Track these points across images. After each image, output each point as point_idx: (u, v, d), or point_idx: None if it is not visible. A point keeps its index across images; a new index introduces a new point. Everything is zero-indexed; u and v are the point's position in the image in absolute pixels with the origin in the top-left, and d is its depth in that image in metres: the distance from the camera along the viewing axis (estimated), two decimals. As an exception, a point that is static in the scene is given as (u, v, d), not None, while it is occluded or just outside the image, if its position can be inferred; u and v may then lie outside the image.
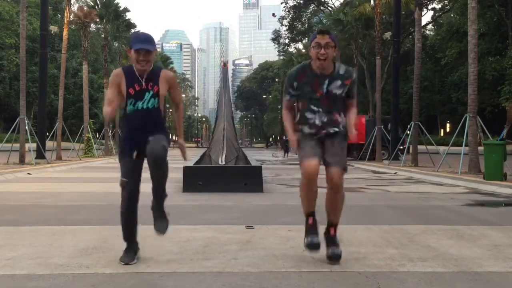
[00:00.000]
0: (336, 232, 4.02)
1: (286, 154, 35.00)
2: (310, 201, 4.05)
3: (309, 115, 3.90)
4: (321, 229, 4.07)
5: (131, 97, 3.80)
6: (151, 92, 3.79)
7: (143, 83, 3.78)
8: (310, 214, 4.04)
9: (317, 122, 3.88)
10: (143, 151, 3.80)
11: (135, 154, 3.85)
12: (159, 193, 3.98)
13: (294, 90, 3.96)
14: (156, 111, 3.83)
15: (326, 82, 3.85)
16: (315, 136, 3.92)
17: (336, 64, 3.91)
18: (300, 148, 3.98)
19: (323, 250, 4.27)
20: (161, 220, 3.95)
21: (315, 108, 3.88)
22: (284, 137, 40.63)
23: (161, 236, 3.96)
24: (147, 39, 3.78)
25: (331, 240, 3.97)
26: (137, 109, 3.80)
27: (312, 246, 3.88)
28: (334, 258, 3.86)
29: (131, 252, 3.90)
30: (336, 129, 3.91)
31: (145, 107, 3.79)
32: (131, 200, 3.97)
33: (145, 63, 3.74)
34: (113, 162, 24.07)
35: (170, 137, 4.18)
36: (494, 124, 30.75)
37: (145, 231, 5.22)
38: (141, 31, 4.02)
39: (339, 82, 3.86)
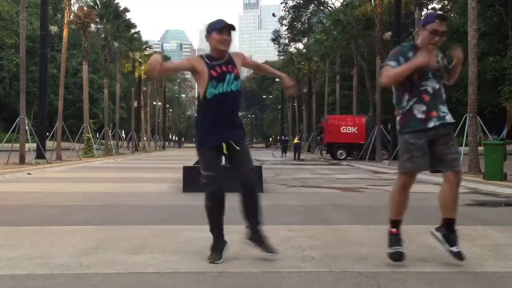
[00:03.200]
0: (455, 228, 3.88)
1: (284, 154, 35.01)
2: (400, 209, 3.89)
3: (422, 82, 3.75)
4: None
5: (213, 79, 3.79)
6: (232, 75, 3.82)
7: (223, 66, 3.82)
8: (395, 223, 3.88)
9: (430, 90, 3.74)
10: (228, 144, 3.82)
11: (224, 147, 3.84)
12: (257, 220, 3.98)
13: (405, 60, 3.76)
14: (239, 94, 3.88)
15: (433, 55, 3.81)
16: (424, 135, 3.73)
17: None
18: (405, 151, 3.82)
19: (323, 250, 4.27)
20: (269, 244, 3.92)
21: (430, 75, 3.76)
22: (282, 137, 40.66)
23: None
24: (226, 21, 3.88)
25: (456, 238, 3.82)
26: (220, 92, 3.79)
27: (399, 257, 3.74)
28: (463, 256, 3.74)
29: (219, 250, 3.90)
30: (447, 119, 3.78)
31: (229, 90, 3.80)
32: (220, 195, 3.90)
33: (228, 43, 3.81)
34: (113, 162, 24.08)
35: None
36: (494, 124, 30.77)
37: (145, 230, 5.23)
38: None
39: (440, 56, 3.88)
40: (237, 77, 3.84)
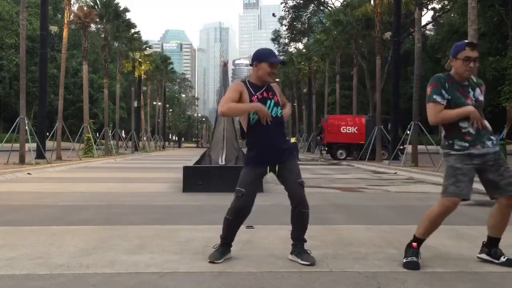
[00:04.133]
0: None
1: None
2: (432, 230, 3.91)
3: (463, 124, 3.73)
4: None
5: None
6: (273, 101, 3.94)
7: (264, 92, 3.95)
8: (420, 241, 3.90)
9: (471, 130, 3.72)
10: (272, 165, 3.92)
11: (268, 173, 3.94)
12: (300, 237, 3.95)
13: (446, 93, 3.75)
14: (281, 119, 3.96)
15: (470, 90, 3.78)
16: (470, 162, 3.74)
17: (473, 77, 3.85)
18: (448, 168, 3.80)
19: (322, 250, 4.27)
20: (307, 254, 3.89)
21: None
22: None
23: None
24: (275, 53, 4.10)
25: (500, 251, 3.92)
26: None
27: (412, 266, 3.74)
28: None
29: (222, 252, 3.94)
30: (495, 146, 3.78)
31: (273, 114, 3.90)
32: (241, 212, 3.95)
33: (275, 76, 4.00)
34: (113, 162, 24.08)
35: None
36: (494, 124, 30.69)
37: (145, 230, 5.23)
38: (264, 48, 4.28)
39: (478, 90, 3.81)
40: (277, 103, 3.96)
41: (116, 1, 34.11)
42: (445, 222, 6.07)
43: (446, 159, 3.84)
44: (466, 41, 3.90)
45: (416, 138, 19.55)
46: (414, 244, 3.87)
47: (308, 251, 3.91)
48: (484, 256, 3.95)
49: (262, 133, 3.89)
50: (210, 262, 3.83)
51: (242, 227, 5.42)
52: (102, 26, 34.70)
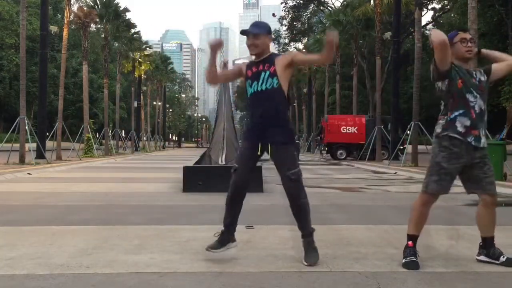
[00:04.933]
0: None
1: None
2: (419, 225, 3.91)
3: (470, 97, 3.73)
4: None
5: (249, 79, 3.84)
6: (268, 72, 3.76)
7: (260, 65, 3.80)
8: (412, 237, 3.90)
9: (477, 108, 3.73)
10: (265, 146, 3.80)
11: (259, 149, 3.82)
12: (303, 228, 3.91)
13: (456, 72, 3.78)
14: (275, 92, 3.74)
15: (473, 71, 3.83)
16: (457, 162, 3.76)
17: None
18: (434, 164, 3.84)
19: (322, 250, 4.27)
20: (311, 253, 3.84)
21: (475, 93, 3.75)
22: None
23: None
24: (255, 23, 3.90)
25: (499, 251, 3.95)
26: (254, 91, 3.80)
27: (412, 266, 3.74)
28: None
29: (222, 241, 3.90)
30: (482, 142, 3.77)
31: (265, 87, 3.75)
32: (234, 187, 3.88)
33: (254, 47, 3.81)
34: (113, 162, 24.06)
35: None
36: (494, 124, 30.72)
37: (145, 230, 5.23)
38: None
39: (479, 72, 3.85)
40: (273, 74, 3.76)
41: (116, 1, 34.09)
42: (445, 222, 6.09)
43: (436, 151, 3.83)
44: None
45: (416, 138, 19.55)
46: (410, 242, 3.87)
47: (314, 248, 3.86)
48: (483, 258, 3.96)
49: (252, 107, 3.85)
50: (207, 249, 3.83)
51: (242, 227, 5.43)
52: (102, 26, 34.68)
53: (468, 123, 3.73)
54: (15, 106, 49.30)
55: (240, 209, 4.00)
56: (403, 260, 3.80)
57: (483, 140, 3.79)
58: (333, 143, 29.64)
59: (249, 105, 3.90)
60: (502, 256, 3.86)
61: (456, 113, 3.75)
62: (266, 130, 3.78)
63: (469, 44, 3.79)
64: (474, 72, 3.84)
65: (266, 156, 3.97)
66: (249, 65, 3.91)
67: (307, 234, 3.90)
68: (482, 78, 3.84)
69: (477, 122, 3.74)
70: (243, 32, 3.84)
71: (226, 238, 3.95)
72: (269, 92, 3.75)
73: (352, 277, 3.48)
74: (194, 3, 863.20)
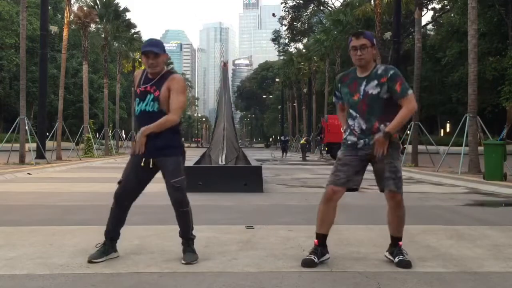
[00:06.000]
0: (400, 244, 3.87)
1: (284, 154, 34.98)
2: (323, 222, 3.84)
3: (350, 121, 3.81)
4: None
5: (137, 97, 3.95)
6: (152, 95, 3.85)
7: (148, 85, 3.88)
8: (318, 236, 3.85)
9: (356, 128, 3.75)
10: (150, 159, 3.88)
11: (143, 162, 3.89)
12: (184, 233, 3.98)
13: (338, 93, 3.94)
14: (158, 116, 3.82)
15: (364, 83, 3.73)
16: (357, 153, 3.77)
17: (377, 65, 3.78)
18: (336, 161, 3.87)
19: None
20: (189, 254, 3.89)
21: (354, 113, 3.77)
22: (282, 137, 40.62)
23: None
24: (154, 42, 3.92)
25: (399, 251, 3.84)
26: (140, 110, 3.91)
27: (306, 264, 3.73)
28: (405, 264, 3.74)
29: (101, 252, 3.90)
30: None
31: (147, 109, 3.86)
32: (118, 199, 3.99)
33: (154, 66, 3.85)
34: (113, 162, 24.06)
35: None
36: (494, 124, 30.76)
37: (146, 230, 5.23)
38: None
39: (375, 82, 3.70)
40: (156, 98, 3.83)
41: (116, 1, 34.10)
42: (445, 222, 6.09)
43: (341, 149, 3.92)
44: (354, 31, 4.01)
45: (416, 138, 19.55)
46: (315, 241, 3.84)
47: (193, 249, 3.90)
48: (387, 254, 3.91)
49: (137, 126, 4.00)
50: (89, 261, 3.79)
51: (242, 227, 5.43)
52: (102, 26, 34.68)
53: (354, 139, 3.80)
54: (15, 106, 49.29)
55: (121, 222, 4.03)
56: (396, 259, 3.79)
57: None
58: (333, 143, 29.60)
59: (136, 119, 4.03)
60: (397, 257, 3.77)
61: (347, 134, 3.87)
62: (151, 147, 3.84)
63: (359, 53, 3.69)
64: (364, 84, 3.72)
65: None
66: (139, 84, 3.93)
67: (186, 239, 3.95)
68: (372, 90, 3.70)
69: (363, 136, 3.75)
70: (144, 52, 3.85)
71: (110, 248, 3.95)
72: (152, 114, 3.84)
73: (352, 277, 3.48)
74: (194, 3, 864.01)
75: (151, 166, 3.89)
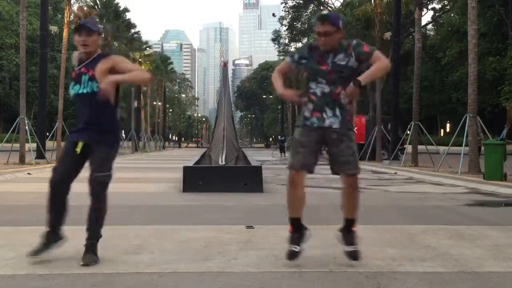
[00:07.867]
0: (354, 229, 3.85)
1: (282, 154, 34.97)
2: (293, 206, 3.83)
3: (312, 85, 3.78)
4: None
5: (72, 80, 3.83)
6: (87, 76, 3.71)
7: (83, 67, 3.76)
8: (292, 221, 3.84)
9: (318, 92, 3.75)
10: (87, 148, 3.75)
11: (79, 146, 3.75)
12: (91, 228, 3.85)
13: (299, 58, 3.86)
14: (96, 96, 3.63)
15: (331, 55, 3.76)
16: (315, 133, 3.78)
17: (342, 41, 3.83)
18: (293, 147, 3.91)
19: (323, 250, 4.27)
20: (88, 254, 3.75)
21: (319, 79, 3.76)
22: (279, 137, 40.55)
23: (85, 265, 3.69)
24: (88, 20, 3.86)
25: (352, 238, 3.81)
26: (76, 93, 3.78)
27: (291, 256, 3.74)
28: (356, 257, 3.74)
29: (45, 243, 3.84)
30: (337, 125, 3.73)
31: (84, 91, 3.72)
32: (53, 187, 3.86)
33: (86, 46, 3.73)
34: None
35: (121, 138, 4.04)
36: (494, 124, 30.73)
37: (146, 230, 5.23)
38: None
39: (342, 54, 3.77)
40: (92, 78, 3.68)
41: (116, 1, 34.16)
42: (445, 222, 6.09)
43: (297, 130, 3.94)
44: (319, 14, 3.96)
45: (416, 138, 19.56)
46: (290, 228, 3.82)
47: (93, 251, 3.76)
48: (338, 234, 3.88)
49: (77, 107, 3.86)
50: (31, 255, 3.72)
51: (242, 227, 5.43)
52: (102, 26, 34.70)
53: (311, 107, 3.78)
54: (15, 106, 49.26)
55: (62, 210, 3.96)
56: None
57: (328, 120, 3.74)
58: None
59: (77, 106, 3.88)
60: (351, 246, 3.74)
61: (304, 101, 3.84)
62: (88, 130, 3.74)
63: (323, 39, 3.72)
64: (331, 56, 3.76)
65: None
66: (79, 64, 3.81)
67: (93, 237, 3.82)
68: (341, 61, 3.75)
69: (320, 105, 3.74)
70: (77, 28, 3.77)
71: (51, 238, 3.89)
72: (91, 96, 3.69)
73: (352, 277, 3.48)
74: (194, 3, 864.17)
75: (79, 150, 3.76)
